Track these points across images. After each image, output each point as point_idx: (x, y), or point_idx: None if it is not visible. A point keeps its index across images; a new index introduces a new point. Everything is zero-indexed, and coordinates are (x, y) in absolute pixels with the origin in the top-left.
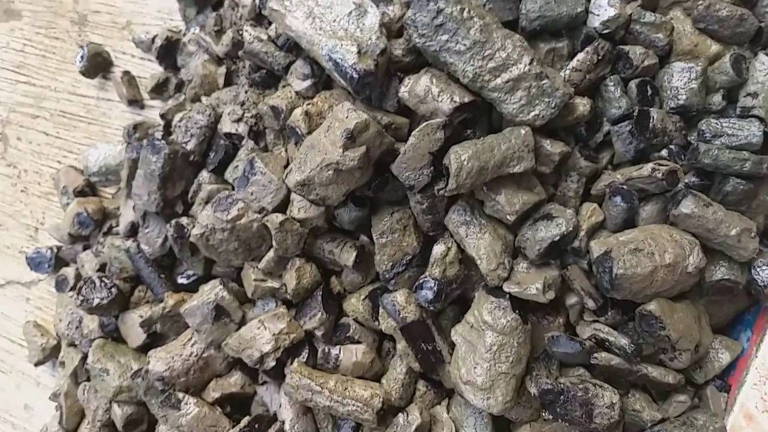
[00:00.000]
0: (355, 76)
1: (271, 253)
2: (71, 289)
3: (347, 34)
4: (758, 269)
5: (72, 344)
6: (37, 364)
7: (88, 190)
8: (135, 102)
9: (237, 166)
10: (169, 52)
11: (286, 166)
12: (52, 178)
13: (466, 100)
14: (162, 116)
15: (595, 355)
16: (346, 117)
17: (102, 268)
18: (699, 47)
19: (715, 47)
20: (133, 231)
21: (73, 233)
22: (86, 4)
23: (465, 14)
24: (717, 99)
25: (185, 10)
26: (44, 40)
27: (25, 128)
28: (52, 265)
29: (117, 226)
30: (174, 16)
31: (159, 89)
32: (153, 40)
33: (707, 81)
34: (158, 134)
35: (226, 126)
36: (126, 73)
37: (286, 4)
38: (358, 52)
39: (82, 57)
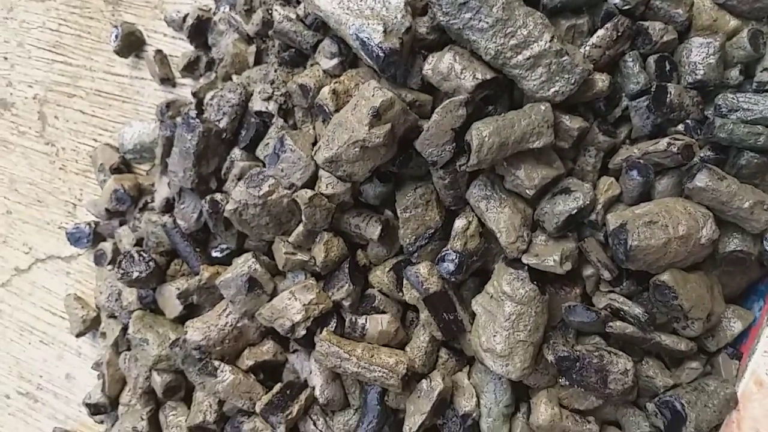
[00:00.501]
0: (381, 54)
1: (300, 228)
2: (110, 263)
3: (373, 13)
4: None
5: (112, 316)
6: (78, 335)
7: (123, 167)
8: (167, 80)
9: (267, 143)
10: (199, 30)
11: (314, 144)
12: (89, 155)
13: (488, 77)
14: (194, 94)
15: (610, 323)
16: (372, 95)
17: (139, 242)
18: (718, 22)
19: (733, 22)
20: (168, 207)
21: (111, 209)
22: None
23: None
24: (734, 74)
25: None
26: (79, 20)
27: (62, 107)
28: (91, 240)
29: (152, 201)
30: None
31: (190, 68)
32: (184, 19)
33: (725, 56)
34: (192, 113)
35: (257, 104)
36: (158, 51)
37: None
38: (384, 31)
39: (116, 36)
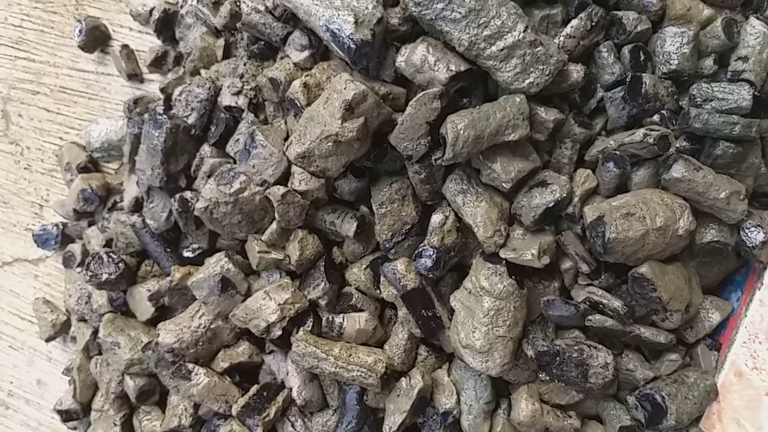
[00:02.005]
0: (353, 46)
1: (273, 225)
2: (79, 265)
3: (344, 3)
4: (747, 231)
5: (82, 319)
6: (48, 340)
7: (91, 166)
8: (134, 76)
9: (238, 139)
10: (166, 24)
11: (286, 139)
12: (55, 154)
13: (462, 68)
14: (162, 90)
15: (590, 317)
16: (344, 88)
17: (108, 243)
18: (691, 11)
19: (707, 11)
20: (137, 206)
21: (79, 209)
22: None
23: None
24: (708, 63)
25: None
26: (42, 15)
27: (26, 105)
28: (59, 242)
29: (121, 201)
30: None
31: (158, 63)
32: (150, 12)
33: (699, 45)
34: (160, 109)
35: (226, 99)
36: (125, 47)
37: None
38: (355, 22)
39: (80, 31)
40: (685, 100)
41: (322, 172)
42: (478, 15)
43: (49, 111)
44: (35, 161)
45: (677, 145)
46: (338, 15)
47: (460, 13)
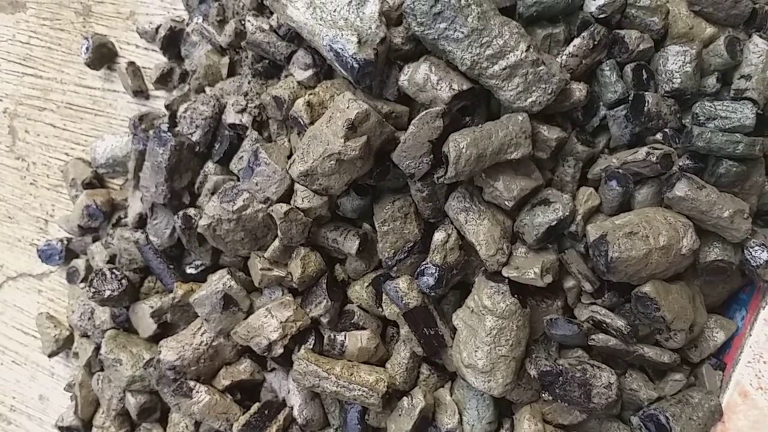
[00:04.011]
0: (356, 66)
1: (276, 243)
2: (82, 281)
3: (347, 23)
4: (751, 250)
5: (85, 335)
6: (50, 355)
7: (96, 182)
8: (140, 93)
9: (241, 156)
10: (172, 42)
11: (289, 156)
12: (61, 170)
13: (465, 87)
14: (167, 107)
15: (593, 336)
16: (347, 107)
17: (112, 259)
18: (694, 30)
19: (710, 29)
20: (141, 222)
21: (83, 225)
22: None
23: (463, 2)
24: (711, 81)
25: (188, 0)
26: (49, 32)
27: (33, 121)
28: (63, 257)
29: (125, 217)
30: (177, 6)
31: (163, 80)
32: (157, 30)
33: (702, 64)
34: (164, 126)
35: (230, 117)
36: (131, 63)
37: None
38: (359, 42)
39: (87, 48)
40: (688, 119)
41: (324, 190)
42: (480, 35)
43: (56, 127)
44: (41, 177)
45: (680, 164)
46: (342, 35)
47: (462, 32)
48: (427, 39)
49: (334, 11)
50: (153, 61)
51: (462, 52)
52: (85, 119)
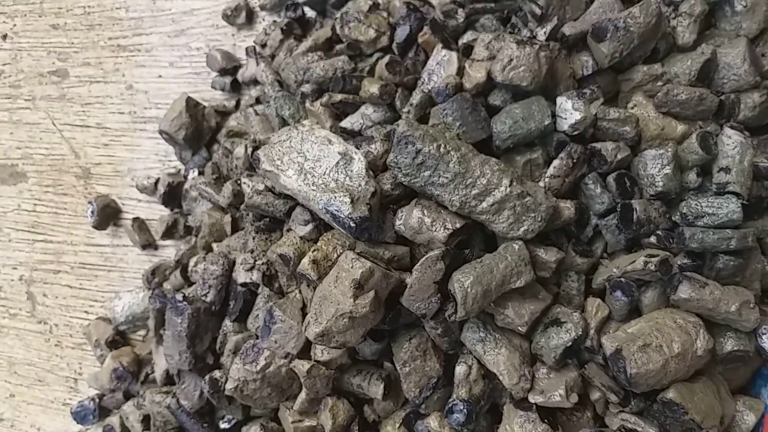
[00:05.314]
0: (353, 225)
1: (303, 395)
2: None
3: (338, 184)
4: (763, 336)
5: None
6: None
7: (119, 338)
8: (148, 245)
9: (257, 315)
10: (173, 196)
11: (303, 307)
12: (83, 332)
13: (458, 225)
14: (177, 262)
15: None
16: (351, 267)
17: (146, 419)
18: (666, 130)
19: (681, 127)
20: (169, 379)
21: (113, 388)
22: (87, 157)
23: (442, 150)
24: (692, 177)
25: (180, 153)
26: (53, 198)
27: (50, 284)
28: (97, 416)
29: (153, 372)
30: (171, 157)
31: (169, 232)
32: (155, 185)
33: (680, 161)
34: (179, 296)
35: (241, 276)
36: (135, 219)
37: (277, 163)
38: (352, 201)
39: (92, 212)
40: (677, 214)
41: (342, 345)
42: (464, 177)
43: (72, 287)
44: (65, 337)
45: (679, 263)
46: (335, 197)
47: (446, 178)
48: (415, 186)
49: (324, 174)
50: (156, 212)
51: (450, 195)
52: (99, 276)
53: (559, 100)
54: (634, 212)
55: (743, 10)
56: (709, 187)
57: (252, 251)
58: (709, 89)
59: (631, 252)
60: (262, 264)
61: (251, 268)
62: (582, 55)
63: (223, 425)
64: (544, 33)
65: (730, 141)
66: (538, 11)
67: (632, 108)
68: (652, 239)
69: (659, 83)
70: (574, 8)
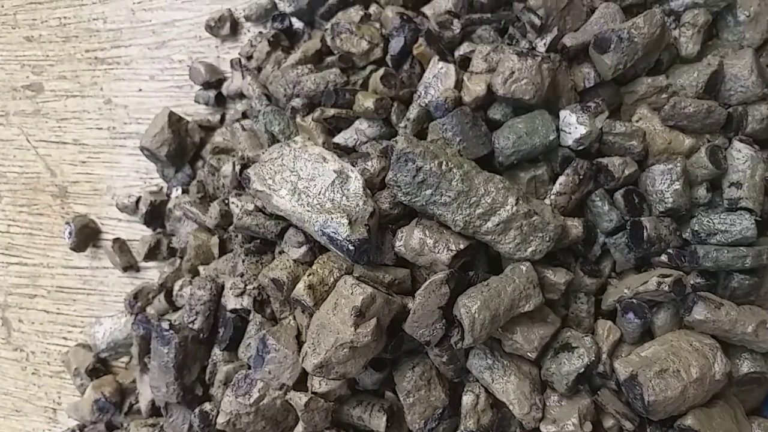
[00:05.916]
0: (352, 248)
1: (300, 429)
2: None
3: (335, 204)
4: None
5: None
6: None
7: (100, 366)
8: (130, 267)
9: (249, 343)
10: (155, 216)
11: (297, 336)
12: (62, 360)
13: (462, 246)
14: (161, 285)
15: None
16: (351, 293)
17: None
18: (673, 144)
19: (688, 141)
20: (155, 410)
21: (95, 420)
22: (64, 175)
23: (444, 167)
24: (702, 192)
25: (163, 170)
26: (28, 218)
27: (25, 309)
28: None
29: (137, 402)
30: (152, 174)
31: (152, 254)
32: (137, 204)
33: (689, 176)
34: (165, 324)
35: (231, 302)
36: (116, 240)
37: (269, 183)
38: (349, 222)
39: (70, 233)
40: (688, 231)
41: (342, 376)
42: (467, 196)
43: (49, 312)
44: (42, 365)
45: (692, 282)
46: (332, 219)
47: (449, 196)
48: (416, 206)
49: (320, 194)
50: (137, 232)
51: (453, 215)
52: (78, 300)
53: (563, 113)
54: (645, 230)
55: (746, 20)
56: (719, 202)
57: (242, 275)
58: (716, 101)
59: (640, 271)
60: (253, 289)
61: (241, 293)
62: (583, 66)
63: None
64: (544, 44)
65: (740, 155)
66: (537, 22)
67: (637, 121)
68: (663, 258)
69: (664, 95)
70: (575, 19)
